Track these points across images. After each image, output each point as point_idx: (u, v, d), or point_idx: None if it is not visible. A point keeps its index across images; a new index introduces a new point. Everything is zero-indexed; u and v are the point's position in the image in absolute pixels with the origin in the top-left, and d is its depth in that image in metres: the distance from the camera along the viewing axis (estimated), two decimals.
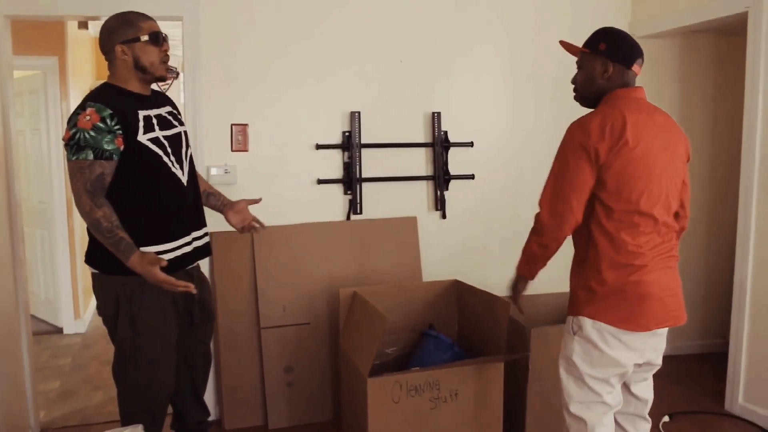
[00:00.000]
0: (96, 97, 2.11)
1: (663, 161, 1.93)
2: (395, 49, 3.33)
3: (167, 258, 2.15)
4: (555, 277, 2.39)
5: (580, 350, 1.99)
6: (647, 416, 2.16)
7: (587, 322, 1.96)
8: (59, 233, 4.66)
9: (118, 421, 2.39)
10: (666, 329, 2.03)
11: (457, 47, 3.43)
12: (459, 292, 3.11)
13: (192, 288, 2.16)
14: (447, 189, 3.47)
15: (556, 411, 2.22)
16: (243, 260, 3.08)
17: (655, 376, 2.15)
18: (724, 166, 3.96)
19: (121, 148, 2.08)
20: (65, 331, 4.75)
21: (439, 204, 3.46)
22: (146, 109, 2.20)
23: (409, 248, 3.37)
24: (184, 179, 2.28)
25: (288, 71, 3.18)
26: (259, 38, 3.12)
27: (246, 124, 3.14)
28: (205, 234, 2.41)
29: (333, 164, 3.30)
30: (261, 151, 3.17)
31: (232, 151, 3.13)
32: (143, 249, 2.11)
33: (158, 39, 2.18)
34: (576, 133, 1.92)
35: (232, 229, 2.60)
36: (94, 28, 5.16)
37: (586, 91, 2.05)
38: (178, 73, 3.28)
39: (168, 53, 2.24)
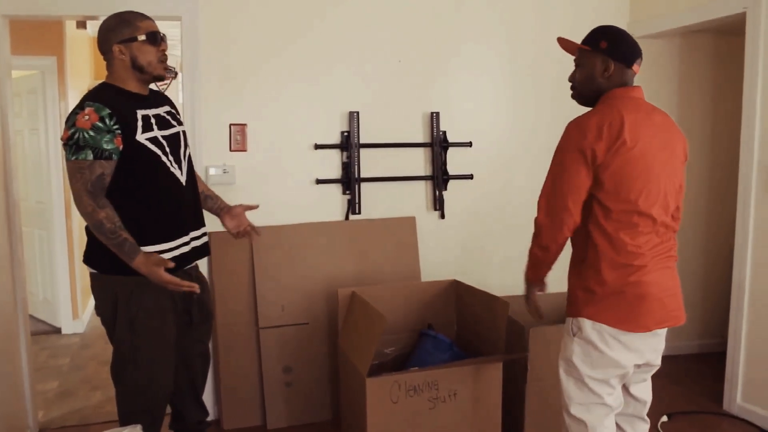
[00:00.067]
0: (94, 96, 2.11)
1: (661, 161, 1.92)
2: (394, 49, 3.33)
3: (165, 258, 2.15)
4: (554, 277, 2.38)
5: (580, 351, 1.98)
6: (646, 417, 2.16)
7: (587, 323, 1.95)
8: (57, 233, 4.66)
9: (116, 421, 2.39)
10: (665, 330, 2.02)
11: (456, 47, 3.43)
12: (458, 292, 3.10)
13: (196, 288, 2.17)
14: (446, 189, 3.47)
15: (554, 411, 2.22)
16: (241, 260, 3.08)
17: (653, 376, 2.15)
18: (723, 166, 3.96)
19: (120, 147, 2.08)
20: (63, 331, 4.75)
21: (438, 204, 3.46)
22: (145, 108, 2.19)
23: (408, 248, 3.37)
24: (183, 179, 2.28)
25: (287, 71, 3.17)
26: (257, 38, 3.12)
27: (244, 124, 3.14)
28: (204, 234, 2.40)
29: (332, 164, 3.30)
30: (259, 151, 3.17)
31: (230, 151, 3.13)
32: (141, 249, 2.11)
33: (156, 38, 2.17)
34: (572, 133, 1.91)
35: None
36: (93, 27, 5.16)
37: (584, 90, 2.03)
38: (176, 73, 3.28)
39: (166, 53, 2.23)
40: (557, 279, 2.22)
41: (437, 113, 3.41)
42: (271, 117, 3.18)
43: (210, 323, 2.54)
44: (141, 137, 2.13)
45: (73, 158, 2.04)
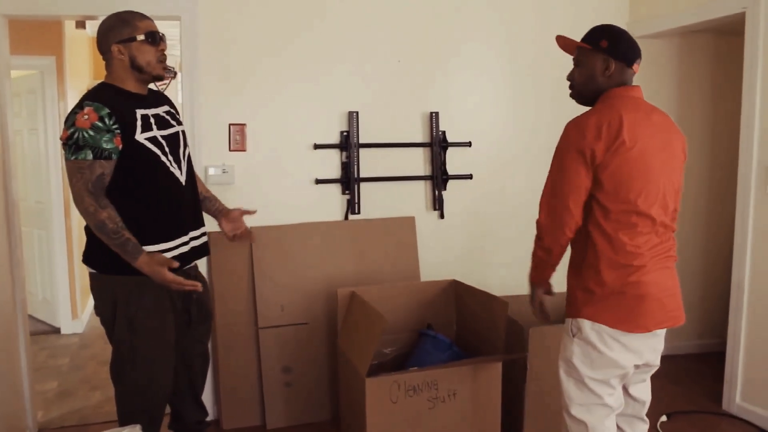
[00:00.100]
0: (93, 96, 2.11)
1: (661, 161, 1.92)
2: (393, 49, 3.33)
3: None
4: (554, 277, 2.38)
5: (580, 352, 1.97)
6: (645, 417, 2.16)
7: (586, 324, 1.95)
8: (57, 233, 4.66)
9: (116, 421, 2.39)
10: (664, 330, 2.02)
11: (456, 47, 3.43)
12: (457, 292, 3.10)
13: (199, 287, 2.17)
14: (445, 189, 3.47)
15: (554, 411, 2.22)
16: (241, 260, 3.07)
17: (653, 375, 2.15)
18: (723, 166, 3.96)
19: (120, 147, 2.08)
20: (63, 331, 4.74)
21: (437, 204, 3.46)
22: (144, 108, 2.19)
23: (407, 248, 3.37)
24: (183, 178, 2.27)
25: (286, 71, 3.17)
26: (257, 38, 3.12)
27: (244, 124, 3.14)
28: (203, 234, 2.40)
29: (331, 164, 3.30)
30: (259, 151, 3.17)
31: (229, 150, 3.13)
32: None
33: (155, 38, 2.17)
34: (571, 133, 1.91)
35: None
36: (92, 27, 5.16)
37: (584, 89, 2.02)
38: (176, 73, 3.28)
39: (165, 53, 2.23)
40: (557, 279, 2.22)
41: (436, 113, 3.41)
42: (271, 117, 3.17)
43: (209, 323, 2.54)
44: (140, 137, 2.12)
45: (73, 158, 2.04)
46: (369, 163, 3.33)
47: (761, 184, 3.05)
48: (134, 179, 2.13)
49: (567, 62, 2.17)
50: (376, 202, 3.36)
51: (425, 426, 2.58)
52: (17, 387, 2.95)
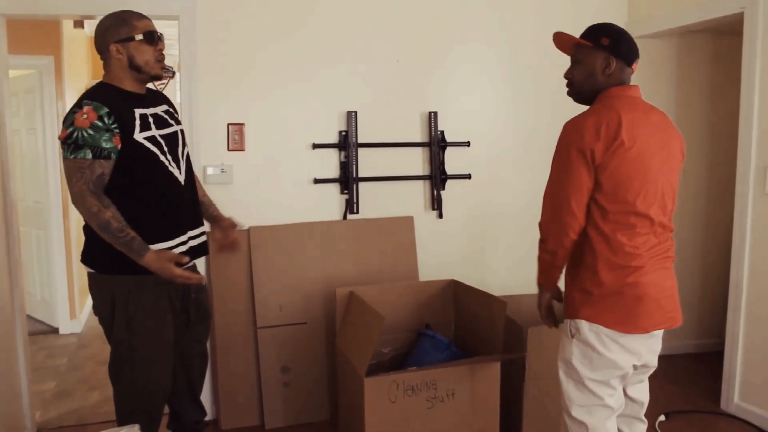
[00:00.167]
0: (92, 95, 2.10)
1: (659, 161, 1.91)
2: (392, 48, 3.32)
3: None
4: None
5: (579, 353, 1.97)
6: (643, 418, 2.16)
7: (584, 325, 1.94)
8: (55, 233, 4.65)
9: (114, 421, 2.39)
10: (661, 331, 2.01)
11: (454, 47, 3.43)
12: (456, 292, 3.10)
13: (203, 279, 2.17)
14: (444, 189, 3.47)
15: (552, 411, 2.22)
16: (239, 260, 3.07)
17: (651, 376, 2.14)
18: (721, 166, 3.96)
19: (119, 146, 2.07)
20: (61, 331, 4.74)
21: (436, 204, 3.46)
22: (142, 107, 2.19)
23: (406, 248, 3.37)
24: (182, 178, 2.27)
25: (285, 71, 3.17)
26: (255, 38, 3.12)
27: (242, 124, 3.14)
28: (202, 233, 2.40)
29: (330, 164, 3.30)
30: (257, 151, 3.17)
31: (228, 150, 3.13)
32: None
33: (153, 38, 2.17)
34: (570, 134, 1.89)
35: None
36: (90, 27, 5.15)
37: (583, 87, 2.00)
38: (174, 73, 3.28)
39: (163, 52, 2.23)
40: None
41: (435, 113, 3.41)
42: (269, 116, 3.17)
43: (208, 323, 2.54)
44: (139, 136, 2.12)
45: (72, 157, 2.04)
46: (368, 162, 3.33)
47: (759, 184, 3.05)
48: (133, 179, 2.13)
49: (567, 62, 2.17)
50: (374, 201, 3.36)
51: (424, 426, 2.58)
52: (15, 387, 2.95)
